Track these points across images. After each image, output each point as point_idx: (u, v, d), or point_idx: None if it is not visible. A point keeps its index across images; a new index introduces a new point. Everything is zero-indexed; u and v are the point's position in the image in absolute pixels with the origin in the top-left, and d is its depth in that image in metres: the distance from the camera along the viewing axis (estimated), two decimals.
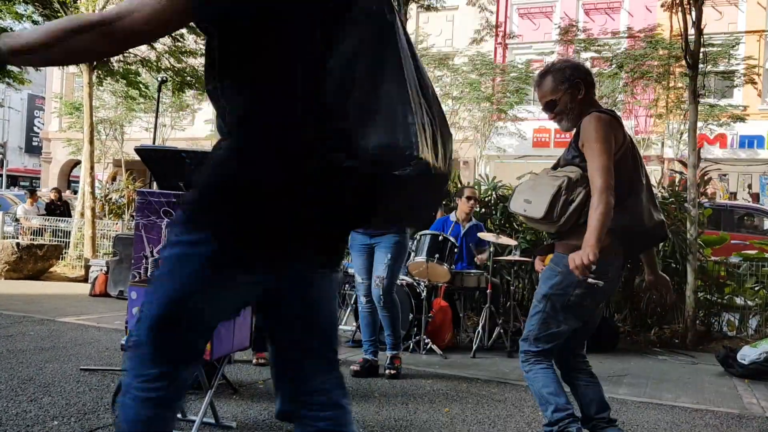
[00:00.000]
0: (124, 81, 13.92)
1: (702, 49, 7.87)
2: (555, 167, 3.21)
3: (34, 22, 12.60)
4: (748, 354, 6.04)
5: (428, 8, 11.74)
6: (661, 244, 7.58)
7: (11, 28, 12.27)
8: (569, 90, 3.18)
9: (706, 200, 9.21)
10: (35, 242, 11.45)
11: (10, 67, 12.37)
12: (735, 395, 5.33)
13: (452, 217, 7.24)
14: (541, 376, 3.16)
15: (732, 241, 9.89)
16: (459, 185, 8.81)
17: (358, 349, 6.12)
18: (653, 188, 3.28)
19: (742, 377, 5.95)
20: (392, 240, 5.15)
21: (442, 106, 1.81)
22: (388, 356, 5.26)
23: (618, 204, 2.96)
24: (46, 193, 19.19)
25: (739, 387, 5.64)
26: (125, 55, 13.43)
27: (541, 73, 3.28)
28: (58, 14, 11.77)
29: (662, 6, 13.50)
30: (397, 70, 1.63)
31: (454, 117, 20.13)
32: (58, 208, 15.16)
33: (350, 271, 7.56)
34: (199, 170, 1.75)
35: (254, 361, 5.25)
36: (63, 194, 17.01)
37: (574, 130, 3.16)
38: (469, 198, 7.11)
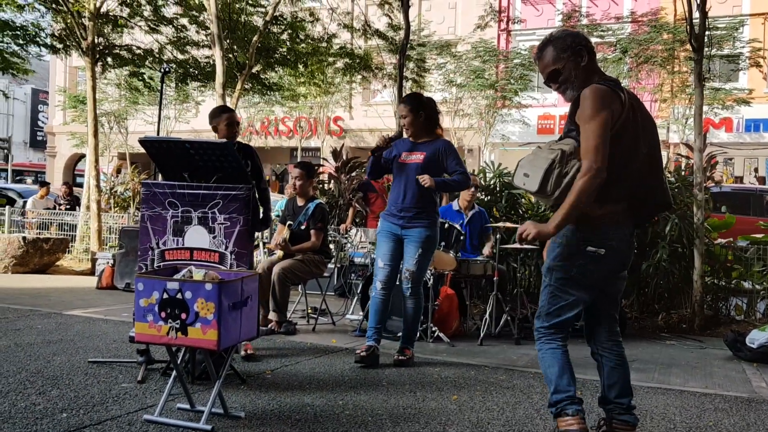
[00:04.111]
0: (129, 69, 13.89)
1: (707, 32, 7.80)
2: (561, 139, 3.20)
3: (37, 10, 12.56)
4: (756, 338, 6.01)
5: None
6: (668, 228, 7.54)
7: (12, 21, 12.22)
8: (572, 58, 3.14)
9: (713, 184, 9.16)
10: (41, 236, 11.46)
11: (13, 59, 12.40)
12: (744, 379, 5.31)
13: (455, 205, 7.23)
14: (548, 356, 3.17)
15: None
16: None
17: (364, 338, 6.12)
18: (660, 157, 3.25)
19: (750, 361, 5.93)
20: (424, 234, 5.12)
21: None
22: (399, 345, 5.25)
23: (617, 173, 2.98)
24: (58, 187, 19.14)
25: (748, 371, 5.62)
26: (129, 45, 13.41)
27: (541, 45, 3.24)
28: (59, 5, 11.73)
29: None
30: None
31: (458, 105, 20.08)
32: (68, 203, 15.16)
33: (357, 260, 7.57)
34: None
35: (242, 353, 5.03)
36: (73, 189, 16.97)
37: (572, 102, 3.14)
38: (470, 186, 7.07)
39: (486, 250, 6.97)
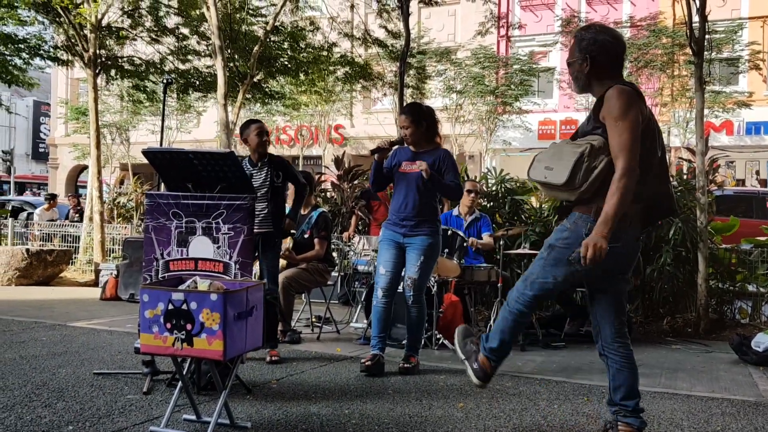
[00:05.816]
0: (131, 81, 13.94)
1: (706, 36, 7.81)
2: (573, 138, 3.21)
3: (40, 23, 12.62)
4: (762, 341, 6.00)
5: (429, 3, 11.64)
6: (672, 232, 7.54)
7: (15, 34, 12.27)
8: (579, 61, 3.24)
9: (716, 188, 9.16)
10: (45, 248, 11.47)
11: (16, 72, 12.46)
12: (750, 383, 5.30)
13: (455, 211, 7.22)
14: (510, 320, 3.43)
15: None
16: (464, 179, 8.79)
17: (369, 346, 6.11)
18: (667, 163, 3.28)
19: (756, 365, 5.91)
20: (426, 241, 5.11)
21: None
22: (404, 353, 5.24)
23: (639, 174, 3.00)
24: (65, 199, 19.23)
25: (754, 374, 5.60)
26: (131, 57, 13.46)
27: (575, 32, 3.38)
28: (60, 18, 11.77)
29: None
30: None
31: (458, 111, 20.10)
32: (79, 214, 15.19)
33: (360, 268, 7.57)
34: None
35: (267, 359, 5.25)
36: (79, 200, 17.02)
37: (595, 102, 3.16)
38: (470, 191, 7.08)
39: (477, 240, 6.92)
